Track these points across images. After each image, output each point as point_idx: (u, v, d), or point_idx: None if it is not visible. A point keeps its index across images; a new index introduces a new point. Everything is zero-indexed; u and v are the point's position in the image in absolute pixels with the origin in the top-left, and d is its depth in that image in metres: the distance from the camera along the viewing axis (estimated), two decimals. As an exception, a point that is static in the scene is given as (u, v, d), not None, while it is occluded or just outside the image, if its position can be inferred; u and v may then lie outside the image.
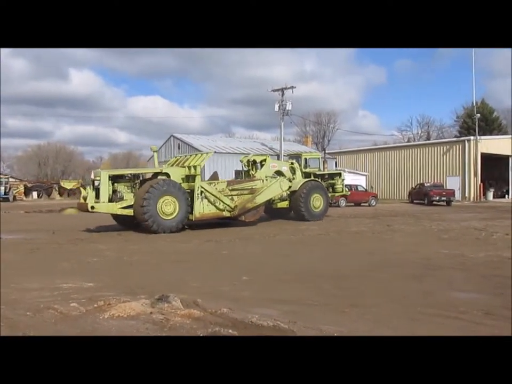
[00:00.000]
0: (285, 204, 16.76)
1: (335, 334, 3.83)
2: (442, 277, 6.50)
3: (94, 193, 12.81)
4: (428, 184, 31.78)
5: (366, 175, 39.45)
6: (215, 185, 14.07)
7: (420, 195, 31.02)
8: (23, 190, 40.03)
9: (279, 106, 39.31)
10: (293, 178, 17.06)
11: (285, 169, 17.16)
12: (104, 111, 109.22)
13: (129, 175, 13.78)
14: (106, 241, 10.73)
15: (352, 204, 27.99)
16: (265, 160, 16.94)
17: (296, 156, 20.15)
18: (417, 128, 70.82)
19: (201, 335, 3.74)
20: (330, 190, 18.83)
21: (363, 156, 44.69)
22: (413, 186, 35.08)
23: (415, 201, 31.79)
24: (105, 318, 4.27)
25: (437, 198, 29.16)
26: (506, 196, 39.21)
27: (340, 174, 19.83)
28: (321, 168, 19.53)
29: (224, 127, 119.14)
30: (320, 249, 9.78)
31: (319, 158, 20.23)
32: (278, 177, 15.91)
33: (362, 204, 28.85)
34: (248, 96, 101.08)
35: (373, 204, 29.10)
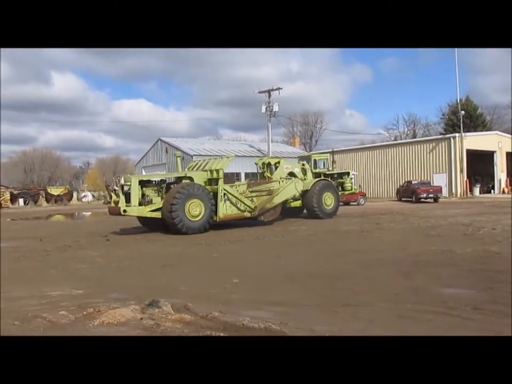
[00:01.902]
0: (298, 203, 17.51)
1: (327, 334, 3.83)
2: (431, 273, 6.55)
3: (124, 197, 13.20)
4: (415, 182, 32.05)
5: (354, 174, 39.65)
6: (236, 187, 14.65)
7: (408, 193, 31.26)
8: (9, 197, 39.46)
9: (266, 108, 39.41)
10: (305, 179, 17.89)
11: (297, 170, 18.13)
12: (89, 115, 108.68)
13: (156, 180, 14.50)
14: (94, 247, 10.62)
15: (341, 204, 28.12)
16: (279, 162, 17.88)
17: (306, 158, 21.24)
18: (403, 126, 71.66)
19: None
20: (340, 188, 19.95)
21: (351, 156, 44.92)
22: (401, 184, 35.33)
23: (403, 199, 32.02)
24: (95, 325, 4.21)
25: (425, 195, 29.42)
26: (492, 191, 39.74)
27: (348, 173, 21.24)
28: (330, 168, 20.30)
29: (211, 129, 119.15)
30: (310, 249, 9.80)
31: (327, 159, 21.24)
32: (293, 178, 16.67)
33: (351, 203, 28.98)
34: (234, 97, 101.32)
35: (362, 203, 29.26)
